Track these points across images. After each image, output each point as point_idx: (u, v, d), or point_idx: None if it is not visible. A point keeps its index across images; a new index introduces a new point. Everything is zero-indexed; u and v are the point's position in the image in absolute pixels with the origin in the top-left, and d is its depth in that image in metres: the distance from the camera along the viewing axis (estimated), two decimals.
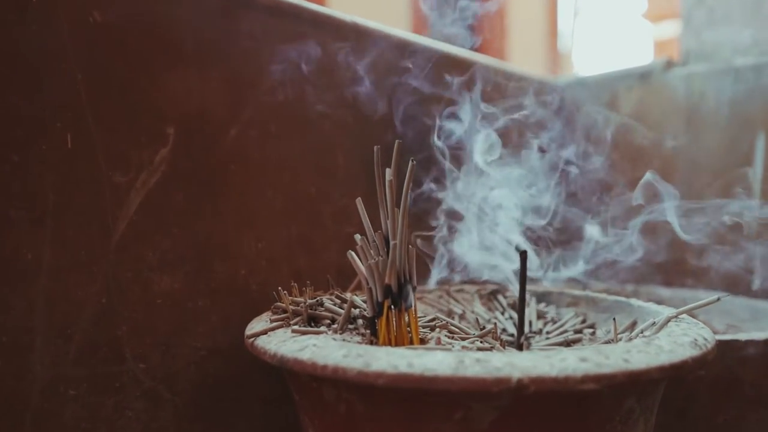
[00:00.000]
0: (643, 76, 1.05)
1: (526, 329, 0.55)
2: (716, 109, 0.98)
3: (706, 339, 0.38)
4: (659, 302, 0.53)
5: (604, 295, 0.55)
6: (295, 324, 0.43)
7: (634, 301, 0.52)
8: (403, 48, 0.69)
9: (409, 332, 0.42)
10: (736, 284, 0.85)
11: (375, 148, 0.44)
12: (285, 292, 0.46)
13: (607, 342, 0.49)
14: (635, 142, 1.01)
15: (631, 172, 1.00)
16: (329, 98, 0.62)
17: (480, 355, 0.33)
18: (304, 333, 0.40)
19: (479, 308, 0.58)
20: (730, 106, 0.96)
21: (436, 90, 0.72)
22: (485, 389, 0.31)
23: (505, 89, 0.79)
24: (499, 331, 0.49)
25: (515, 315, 0.57)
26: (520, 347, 0.37)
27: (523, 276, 0.36)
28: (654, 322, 0.44)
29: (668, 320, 0.43)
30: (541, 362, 0.32)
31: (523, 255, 0.37)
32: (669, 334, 0.38)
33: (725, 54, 1.02)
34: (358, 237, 0.43)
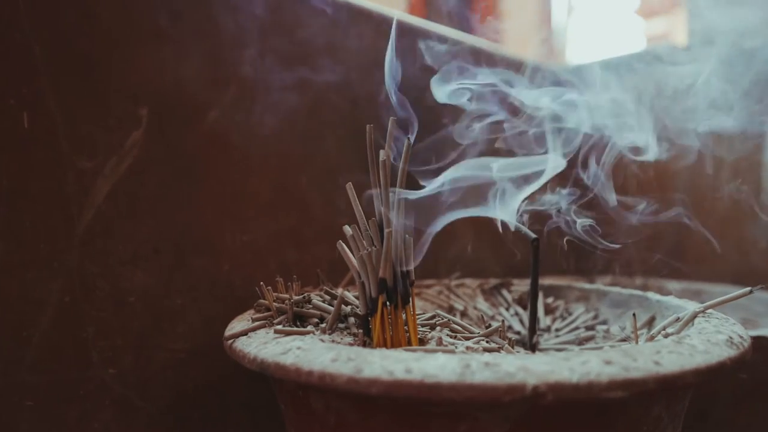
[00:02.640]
0: (646, 61, 1.01)
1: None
2: (725, 94, 0.93)
3: (741, 337, 0.34)
4: (669, 295, 0.49)
5: (617, 289, 0.51)
6: (279, 323, 0.38)
7: (651, 294, 0.48)
8: (402, 29, 0.64)
9: (407, 332, 0.37)
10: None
11: (368, 126, 0.40)
12: (269, 288, 0.42)
13: (624, 340, 0.45)
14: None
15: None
16: (319, 79, 0.57)
17: (488, 358, 0.29)
18: (288, 333, 0.36)
19: (482, 304, 0.54)
20: (741, 91, 0.92)
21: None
22: (495, 399, 0.27)
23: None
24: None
25: (521, 311, 0.53)
26: (532, 348, 0.33)
27: (535, 268, 0.32)
28: (678, 318, 0.39)
29: (695, 316, 0.39)
30: (559, 366, 0.28)
31: (535, 244, 0.32)
32: (700, 332, 0.34)
33: (733, 37, 0.98)
34: (347, 228, 0.39)
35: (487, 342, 0.38)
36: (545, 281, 0.57)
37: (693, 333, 0.34)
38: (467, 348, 0.35)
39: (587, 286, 0.53)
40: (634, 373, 0.28)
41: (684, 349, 0.31)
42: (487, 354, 0.35)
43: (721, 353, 0.31)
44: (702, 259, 0.87)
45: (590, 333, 0.47)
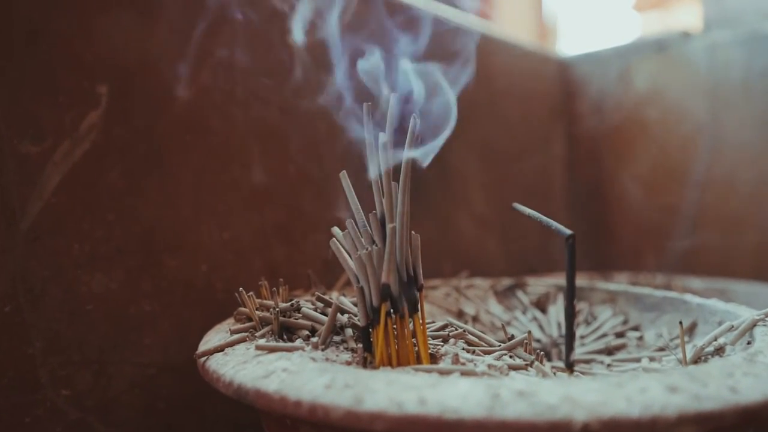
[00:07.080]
0: (659, 47, 0.95)
1: (554, 332, 0.44)
2: (744, 80, 0.87)
3: None
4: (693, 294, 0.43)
5: (649, 290, 0.45)
6: (262, 337, 0.32)
7: (690, 297, 0.42)
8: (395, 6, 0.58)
9: (415, 346, 0.31)
10: None
11: (364, 105, 0.34)
12: (251, 294, 0.35)
13: (661, 349, 0.39)
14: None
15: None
16: (308, 56, 0.51)
17: (522, 384, 0.23)
18: (272, 350, 0.29)
19: (495, 307, 0.48)
20: (761, 76, 0.86)
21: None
22: None
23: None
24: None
25: (540, 315, 0.47)
26: (569, 367, 0.27)
27: (571, 270, 0.26)
28: (732, 326, 0.34)
29: (754, 324, 0.33)
30: (612, 395, 0.22)
31: (570, 240, 0.27)
32: None
33: (751, 19, 0.92)
34: (336, 230, 0.33)
35: (511, 357, 0.32)
36: (562, 281, 0.51)
37: (764, 347, 0.28)
38: (489, 366, 0.29)
39: (613, 286, 0.47)
40: (707, 404, 0.22)
41: (761, 370, 0.25)
42: (516, 375, 0.29)
43: None
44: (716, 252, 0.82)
45: (621, 341, 0.42)
